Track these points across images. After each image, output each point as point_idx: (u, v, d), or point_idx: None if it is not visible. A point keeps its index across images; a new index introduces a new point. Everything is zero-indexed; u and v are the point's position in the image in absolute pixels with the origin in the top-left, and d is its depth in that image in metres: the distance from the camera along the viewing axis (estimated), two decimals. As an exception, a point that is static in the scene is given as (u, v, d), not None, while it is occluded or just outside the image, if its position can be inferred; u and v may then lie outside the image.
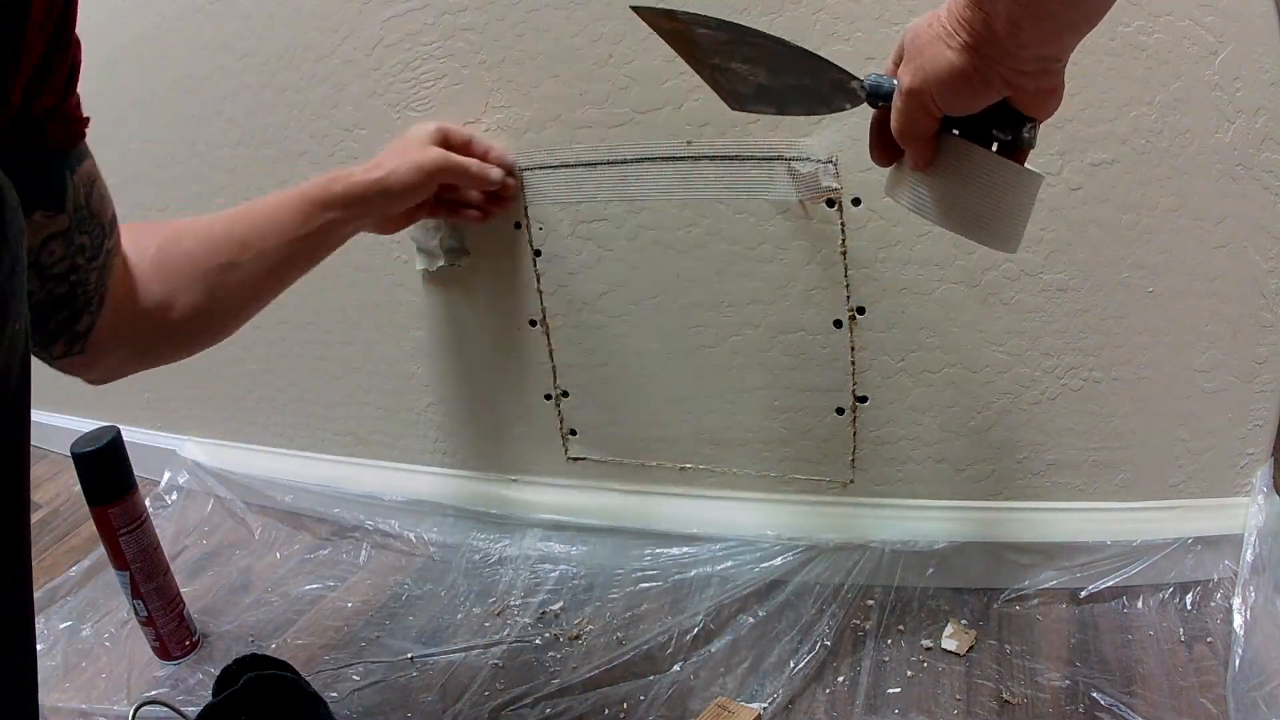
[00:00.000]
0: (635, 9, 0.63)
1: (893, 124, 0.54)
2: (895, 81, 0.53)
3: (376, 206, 0.79)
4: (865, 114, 0.58)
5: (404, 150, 0.80)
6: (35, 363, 0.54)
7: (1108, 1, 0.44)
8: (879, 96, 0.56)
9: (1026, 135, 0.53)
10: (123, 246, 0.65)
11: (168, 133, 1.05)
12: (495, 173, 0.84)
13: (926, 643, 0.79)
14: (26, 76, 0.48)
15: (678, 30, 0.62)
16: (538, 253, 0.90)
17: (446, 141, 0.83)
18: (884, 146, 0.58)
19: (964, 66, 0.47)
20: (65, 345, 0.61)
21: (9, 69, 0.47)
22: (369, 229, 0.84)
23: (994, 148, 0.54)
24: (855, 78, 0.58)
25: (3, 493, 0.44)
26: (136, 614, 0.88)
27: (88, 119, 0.57)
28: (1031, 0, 0.43)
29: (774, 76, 0.62)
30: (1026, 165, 0.55)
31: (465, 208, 0.88)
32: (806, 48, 0.60)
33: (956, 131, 0.55)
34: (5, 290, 0.41)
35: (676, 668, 0.80)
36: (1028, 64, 0.46)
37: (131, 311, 0.65)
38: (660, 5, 0.61)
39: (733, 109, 0.64)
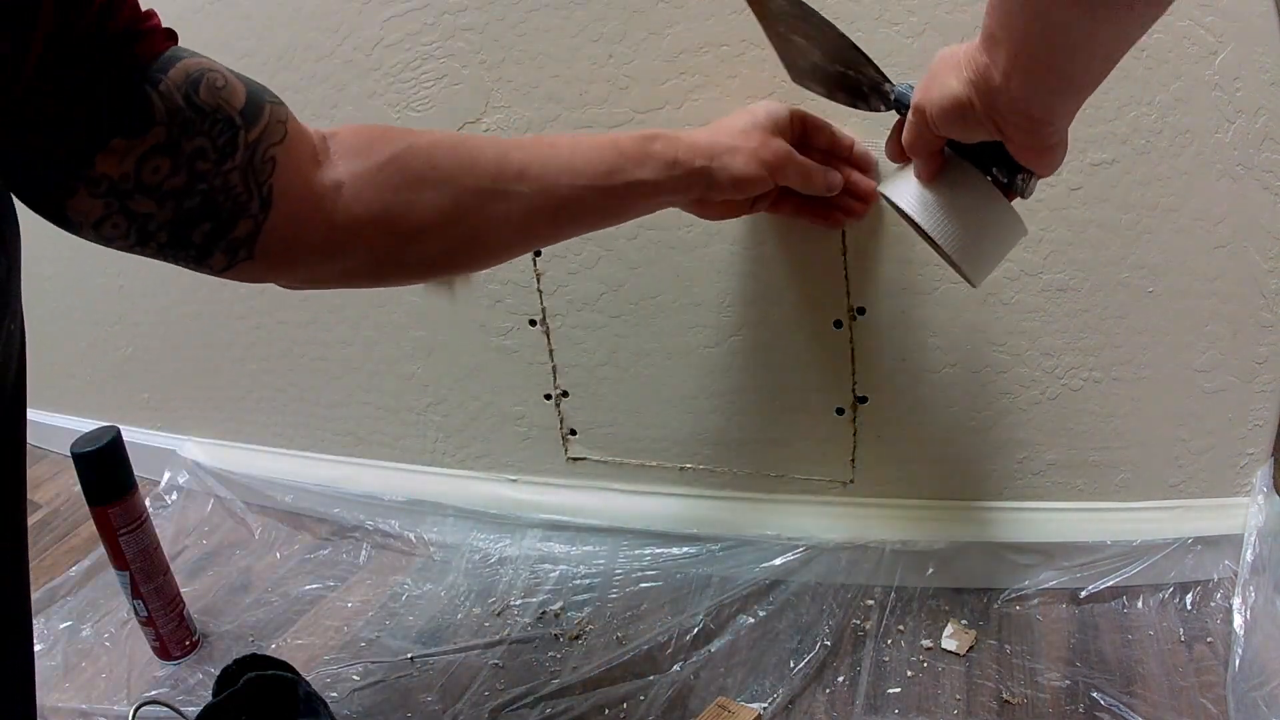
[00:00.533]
0: None
1: (903, 134, 0.59)
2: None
3: (696, 190, 0.68)
4: (872, 119, 0.59)
5: (747, 134, 0.68)
6: (32, 363, 0.54)
7: (1095, 76, 0.47)
8: (903, 105, 0.61)
9: (1020, 182, 0.57)
10: (331, 144, 0.58)
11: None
12: (836, 178, 0.71)
13: (926, 643, 0.79)
14: None
15: None
16: (538, 252, 0.90)
17: (803, 130, 0.72)
18: (898, 148, 0.62)
19: (962, 100, 0.51)
20: (226, 256, 0.54)
21: None
22: (684, 208, 0.73)
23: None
24: (889, 82, 0.62)
25: (5, 485, 0.43)
26: (136, 614, 0.88)
27: (167, 30, 0.52)
28: (1025, 59, 0.46)
29: (827, 59, 0.65)
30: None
31: (814, 208, 0.75)
32: (855, 42, 0.63)
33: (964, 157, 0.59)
34: (3, 291, 0.41)
35: (676, 668, 0.80)
36: (1016, 117, 0.50)
37: (329, 214, 0.56)
38: None
39: (792, 80, 0.67)
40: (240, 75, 0.54)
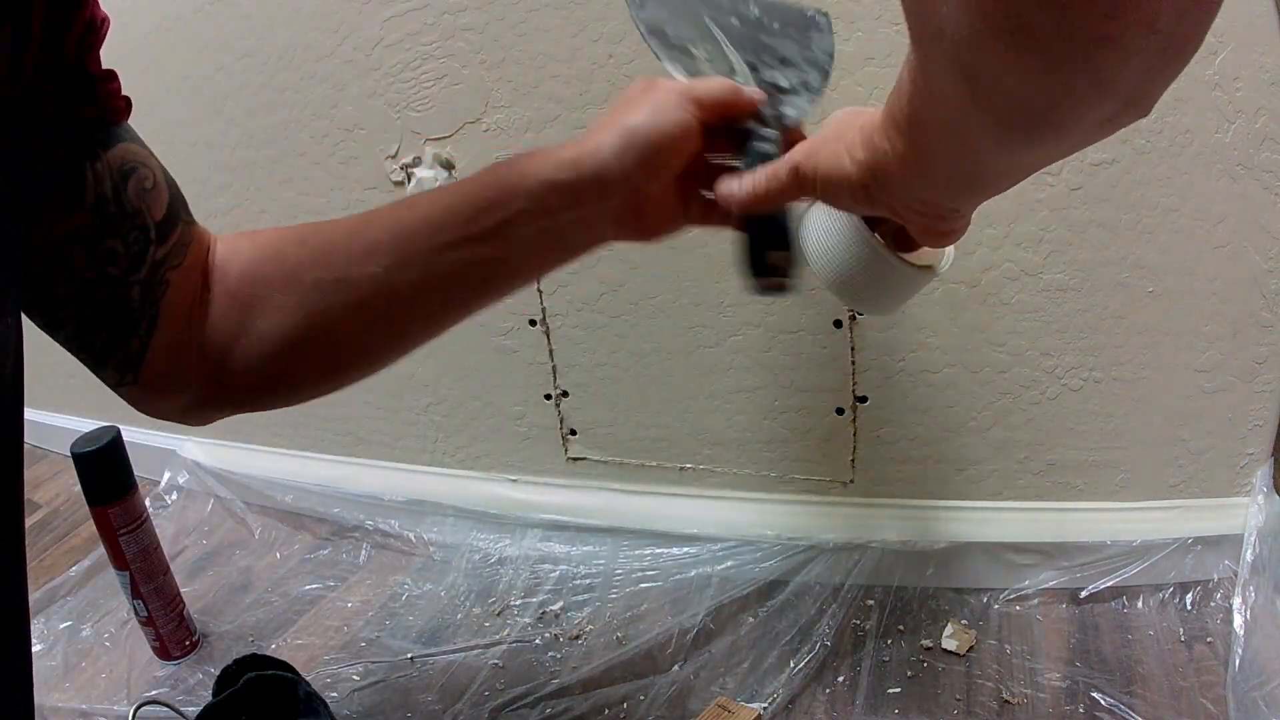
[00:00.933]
0: None
1: (767, 183, 0.49)
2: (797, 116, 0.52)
3: (582, 199, 0.51)
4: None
5: (624, 110, 0.52)
6: (32, 363, 0.54)
7: (1013, 183, 0.41)
8: (766, 156, 0.51)
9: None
10: (212, 262, 0.53)
11: (168, 133, 1.05)
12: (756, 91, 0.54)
13: (926, 643, 0.79)
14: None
15: None
16: (538, 253, 0.90)
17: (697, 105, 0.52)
18: (757, 197, 0.51)
19: (854, 181, 0.44)
20: (117, 372, 0.52)
21: None
22: (614, 236, 0.55)
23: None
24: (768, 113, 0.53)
25: (3, 479, 0.43)
26: (136, 614, 0.88)
27: (125, 98, 0.49)
28: (930, 163, 0.40)
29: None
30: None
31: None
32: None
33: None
34: None
35: (676, 668, 0.80)
36: (914, 204, 0.43)
37: (196, 344, 0.52)
38: None
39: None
40: (167, 178, 0.52)
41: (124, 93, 0.50)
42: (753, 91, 0.53)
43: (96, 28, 0.47)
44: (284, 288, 0.52)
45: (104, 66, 0.49)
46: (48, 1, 0.44)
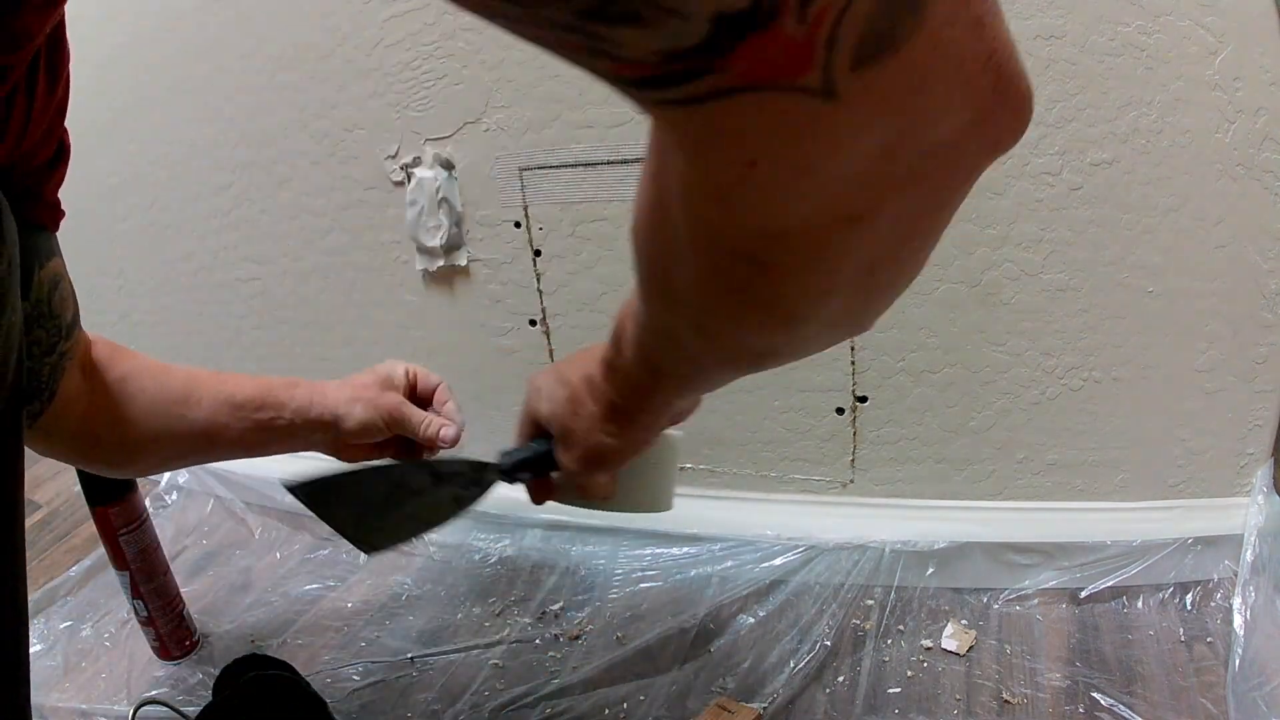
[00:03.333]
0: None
1: (564, 492, 0.65)
2: (534, 448, 0.62)
3: (329, 433, 0.75)
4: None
5: (368, 386, 0.77)
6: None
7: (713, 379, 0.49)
8: (520, 469, 0.64)
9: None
10: (93, 355, 0.68)
11: (168, 133, 1.05)
12: (449, 433, 0.78)
13: (926, 643, 0.79)
14: None
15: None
16: (538, 253, 0.90)
17: (413, 387, 0.79)
18: (544, 492, 0.67)
19: (622, 448, 0.55)
20: (28, 418, 0.63)
21: None
22: (324, 450, 0.79)
23: None
24: (491, 465, 0.65)
25: (4, 473, 0.44)
26: (136, 614, 0.88)
27: (61, 211, 0.59)
28: (663, 395, 0.51)
29: (397, 506, 0.69)
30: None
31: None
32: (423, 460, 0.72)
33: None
34: (4, 285, 0.42)
35: (676, 668, 0.80)
36: (663, 421, 0.55)
37: (81, 417, 0.67)
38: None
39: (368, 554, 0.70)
40: (72, 287, 0.63)
41: (58, 203, 0.59)
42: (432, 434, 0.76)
43: (64, 154, 0.57)
44: (150, 406, 0.71)
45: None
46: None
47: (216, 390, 0.73)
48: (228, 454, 0.76)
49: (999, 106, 0.30)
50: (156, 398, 0.71)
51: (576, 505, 0.66)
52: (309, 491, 0.64)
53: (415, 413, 0.77)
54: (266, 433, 0.74)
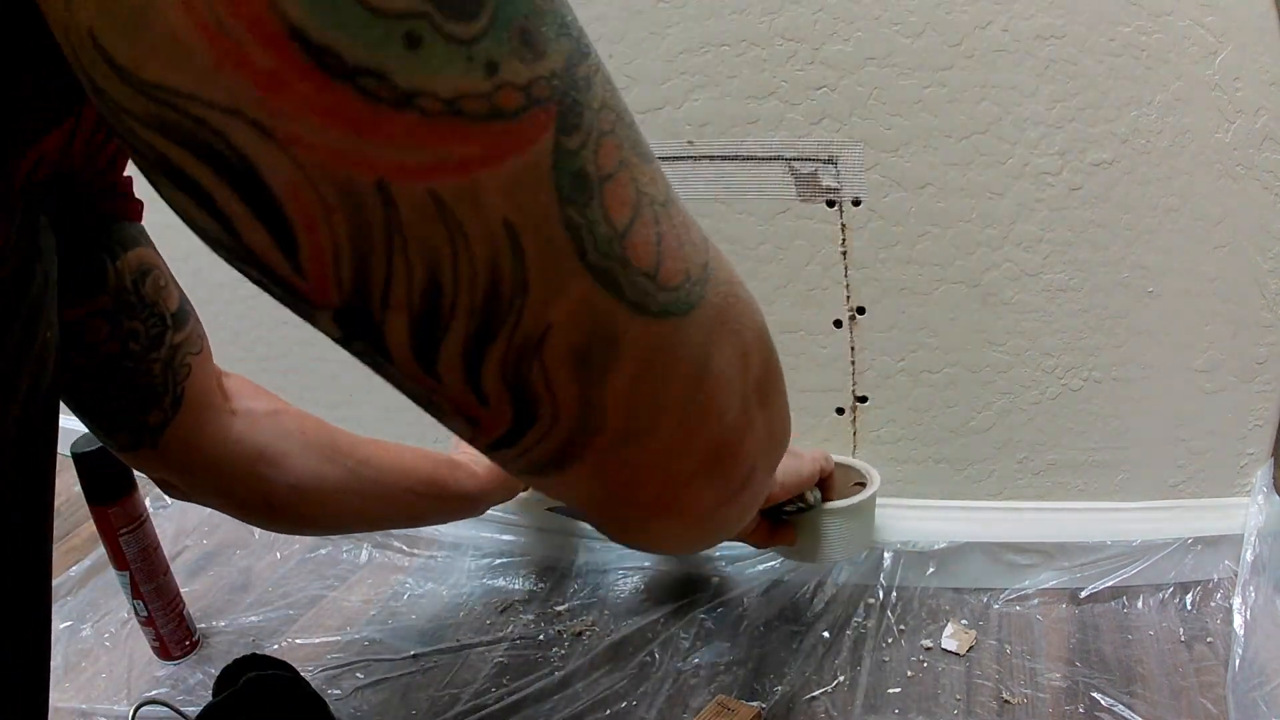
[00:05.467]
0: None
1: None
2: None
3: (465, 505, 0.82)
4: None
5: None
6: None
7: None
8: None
9: (811, 499, 0.76)
10: (226, 381, 0.64)
11: (168, 133, 1.05)
12: None
13: (926, 643, 0.79)
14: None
15: None
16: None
17: None
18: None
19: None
20: (130, 436, 0.59)
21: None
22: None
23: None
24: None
25: (33, 491, 0.44)
26: (136, 614, 0.88)
27: (139, 201, 0.55)
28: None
29: None
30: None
31: None
32: None
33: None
34: (40, 300, 0.42)
35: (676, 667, 0.80)
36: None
37: (225, 432, 0.62)
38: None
39: None
40: (176, 283, 0.59)
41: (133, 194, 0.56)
42: None
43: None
44: (333, 449, 0.68)
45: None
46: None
47: (383, 454, 0.72)
48: (392, 522, 0.80)
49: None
50: (319, 440, 0.68)
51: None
52: (576, 514, 0.79)
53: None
54: (422, 502, 0.76)
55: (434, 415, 0.33)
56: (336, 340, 0.31)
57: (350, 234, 0.26)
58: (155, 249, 0.58)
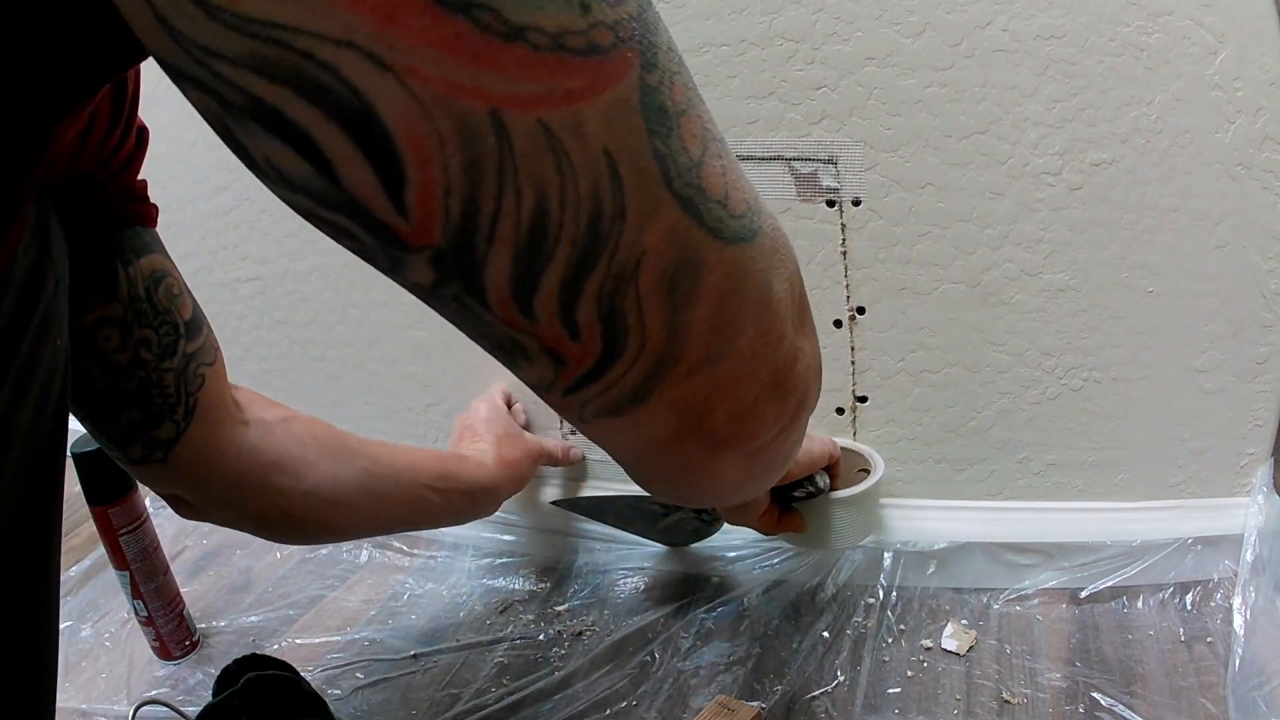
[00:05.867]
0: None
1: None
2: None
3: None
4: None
5: (518, 463, 0.84)
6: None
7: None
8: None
9: (821, 484, 0.77)
10: (238, 393, 0.63)
11: (168, 132, 1.05)
12: (578, 454, 0.93)
13: (926, 643, 0.79)
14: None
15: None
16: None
17: (509, 405, 0.92)
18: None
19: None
20: (144, 449, 0.57)
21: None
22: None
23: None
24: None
25: (44, 494, 0.44)
26: (136, 614, 0.88)
27: (154, 206, 0.55)
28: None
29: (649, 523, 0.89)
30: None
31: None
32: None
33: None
34: (52, 307, 0.41)
35: (677, 667, 0.80)
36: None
37: (238, 443, 0.61)
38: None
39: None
40: (188, 289, 0.58)
41: (148, 198, 0.56)
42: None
43: (144, 141, 0.53)
44: (347, 453, 0.67)
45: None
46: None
47: (394, 454, 0.72)
48: (406, 524, 0.79)
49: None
50: (333, 446, 0.67)
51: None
52: (582, 508, 0.91)
53: (551, 447, 0.90)
54: (435, 495, 0.76)
55: (513, 360, 0.33)
56: (424, 287, 0.31)
57: (464, 165, 0.26)
58: (169, 255, 0.57)
